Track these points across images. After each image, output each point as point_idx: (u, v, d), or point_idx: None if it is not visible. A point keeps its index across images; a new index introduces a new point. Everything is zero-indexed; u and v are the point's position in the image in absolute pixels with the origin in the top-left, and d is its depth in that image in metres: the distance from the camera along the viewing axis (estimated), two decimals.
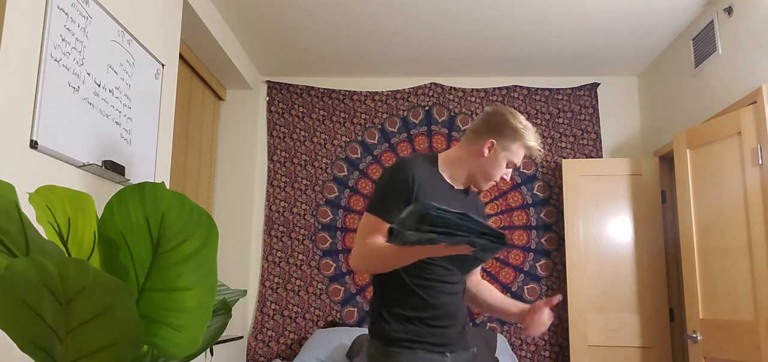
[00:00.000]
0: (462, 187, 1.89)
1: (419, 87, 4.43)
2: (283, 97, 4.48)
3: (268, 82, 4.49)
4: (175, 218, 1.17)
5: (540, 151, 1.85)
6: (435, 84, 4.44)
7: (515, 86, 4.39)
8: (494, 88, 4.40)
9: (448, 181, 1.85)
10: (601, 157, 4.27)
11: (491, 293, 2.02)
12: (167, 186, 1.39)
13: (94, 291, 1.13)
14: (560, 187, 4.19)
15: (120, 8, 2.44)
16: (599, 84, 4.38)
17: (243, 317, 4.09)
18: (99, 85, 2.27)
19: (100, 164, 2.23)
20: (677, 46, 3.78)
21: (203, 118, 4.03)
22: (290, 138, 4.42)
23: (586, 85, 4.37)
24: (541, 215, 4.23)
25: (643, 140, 4.31)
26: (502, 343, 3.78)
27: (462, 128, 4.34)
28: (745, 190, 2.90)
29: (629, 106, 4.40)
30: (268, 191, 4.35)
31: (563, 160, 4.08)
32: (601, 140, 4.30)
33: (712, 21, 3.31)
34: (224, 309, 1.65)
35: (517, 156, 1.82)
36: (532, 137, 1.81)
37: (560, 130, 4.33)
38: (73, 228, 1.29)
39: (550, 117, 4.35)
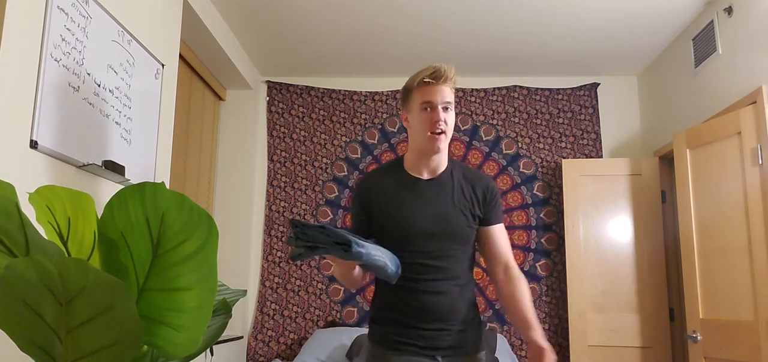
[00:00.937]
0: (432, 175, 1.80)
1: None
2: (283, 97, 4.48)
3: (268, 82, 4.49)
4: (175, 218, 1.17)
5: (433, 69, 1.72)
6: None
7: (515, 86, 4.39)
8: (494, 88, 4.40)
9: (415, 174, 1.80)
10: (601, 157, 4.27)
11: (517, 301, 1.78)
12: (167, 186, 1.39)
13: (94, 291, 1.13)
14: (560, 187, 4.19)
15: (120, 8, 2.44)
16: (599, 84, 4.38)
17: (243, 317, 4.09)
18: (99, 85, 2.27)
19: (100, 164, 2.23)
20: (677, 46, 3.78)
21: (203, 118, 4.03)
22: (290, 138, 4.42)
23: (586, 85, 4.37)
24: (541, 215, 4.23)
25: (643, 140, 4.31)
26: (502, 343, 3.78)
27: (462, 128, 4.34)
28: (745, 190, 2.90)
29: (629, 106, 4.40)
30: (268, 191, 4.35)
31: (563, 160, 4.08)
32: (601, 140, 4.30)
33: (712, 21, 3.31)
34: (224, 309, 1.65)
35: (420, 98, 1.73)
36: (419, 74, 1.74)
37: (560, 130, 4.33)
38: (73, 228, 1.29)
39: (550, 117, 4.35)
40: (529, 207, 4.25)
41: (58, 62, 2.01)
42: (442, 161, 1.81)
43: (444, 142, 1.75)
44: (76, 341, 1.18)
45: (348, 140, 4.39)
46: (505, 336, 4.04)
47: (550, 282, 4.15)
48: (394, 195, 1.79)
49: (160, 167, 2.78)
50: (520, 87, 4.39)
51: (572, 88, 4.37)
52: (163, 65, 2.81)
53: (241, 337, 4.03)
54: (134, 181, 2.43)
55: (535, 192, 4.26)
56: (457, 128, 4.36)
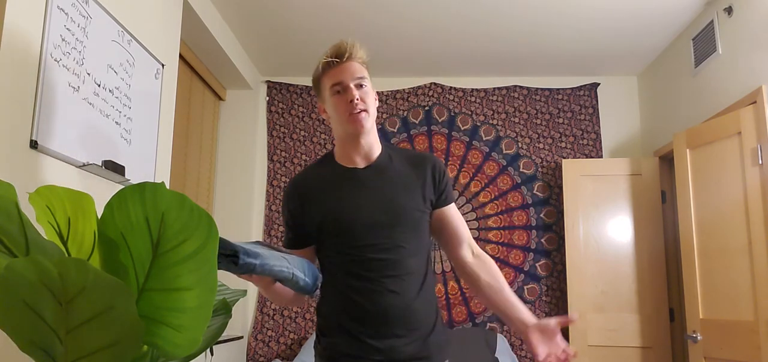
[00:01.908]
0: (367, 161, 1.63)
1: (419, 87, 4.44)
2: (283, 97, 4.48)
3: (268, 82, 4.49)
4: (175, 218, 1.17)
5: (334, 48, 1.60)
6: (435, 84, 4.44)
7: (515, 86, 4.39)
8: (494, 88, 4.40)
9: (348, 165, 1.64)
10: (601, 157, 4.27)
11: (498, 285, 1.62)
12: (167, 186, 1.39)
13: (94, 291, 1.13)
14: (560, 187, 4.19)
15: (120, 8, 2.44)
16: (599, 84, 4.38)
17: (243, 317, 4.09)
18: (99, 85, 2.27)
19: (100, 164, 2.23)
20: (677, 46, 3.78)
21: (203, 118, 4.03)
22: (290, 138, 4.42)
23: (586, 85, 4.37)
24: (541, 215, 4.23)
25: (643, 140, 4.32)
26: (502, 343, 3.78)
27: (462, 128, 4.34)
28: (745, 190, 2.90)
29: (629, 106, 4.40)
30: (268, 191, 4.35)
31: (563, 160, 4.08)
32: (601, 140, 4.30)
33: (712, 21, 3.31)
34: (224, 309, 1.65)
35: (329, 82, 1.61)
36: (322, 59, 1.63)
37: (560, 130, 4.33)
38: (73, 228, 1.29)
39: (550, 117, 4.35)
40: (529, 207, 4.25)
41: (58, 62, 2.01)
42: (373, 144, 1.63)
43: (368, 120, 1.57)
44: (76, 341, 1.18)
45: None
46: (506, 337, 4.04)
47: (550, 282, 4.15)
48: (330, 190, 1.61)
49: (160, 167, 2.78)
50: (520, 87, 4.39)
51: (572, 88, 4.37)
52: (163, 65, 2.81)
53: (241, 337, 4.03)
54: (134, 181, 2.43)
55: (535, 192, 4.26)
56: (457, 128, 4.36)
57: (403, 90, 4.43)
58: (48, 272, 1.10)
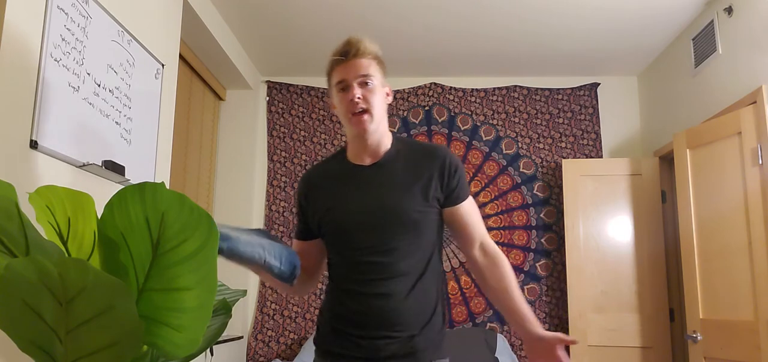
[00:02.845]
0: (374, 159, 1.62)
1: (419, 87, 4.43)
2: (283, 97, 4.48)
3: (268, 82, 4.49)
4: (175, 218, 1.17)
5: (342, 45, 1.59)
6: (435, 84, 4.43)
7: (515, 86, 4.39)
8: (494, 88, 4.40)
9: (356, 162, 1.63)
10: (601, 157, 4.27)
11: (504, 290, 1.59)
12: (167, 186, 1.39)
13: (94, 291, 1.13)
14: (560, 187, 4.19)
15: (120, 8, 2.43)
16: (599, 84, 4.38)
17: (243, 317, 4.09)
18: (99, 85, 2.27)
19: (100, 164, 2.23)
20: (677, 46, 3.78)
21: (203, 118, 4.03)
22: (290, 138, 4.42)
23: (586, 85, 4.37)
24: (541, 215, 4.23)
25: (643, 140, 4.32)
26: (502, 343, 3.78)
27: (462, 128, 4.34)
28: (745, 190, 2.90)
29: (629, 106, 4.40)
30: (268, 191, 4.35)
31: (563, 160, 4.08)
32: (601, 140, 4.30)
33: (712, 21, 3.31)
34: (224, 309, 1.65)
35: (335, 79, 1.60)
36: (332, 53, 1.61)
37: (560, 130, 4.33)
38: (73, 228, 1.29)
39: (550, 117, 4.35)
40: (529, 207, 4.25)
41: (58, 62, 2.01)
42: (382, 143, 1.61)
43: (370, 122, 1.54)
44: (76, 341, 1.18)
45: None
46: (506, 337, 4.04)
47: (550, 282, 4.15)
48: (333, 189, 1.62)
49: (160, 167, 2.78)
50: (520, 87, 4.39)
51: (572, 88, 4.37)
52: (163, 65, 2.81)
53: (241, 337, 4.03)
54: (134, 181, 2.43)
55: (535, 192, 4.26)
56: (457, 128, 4.36)
57: (403, 90, 4.43)
58: (48, 272, 1.10)
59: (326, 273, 1.71)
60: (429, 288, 1.57)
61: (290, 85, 4.48)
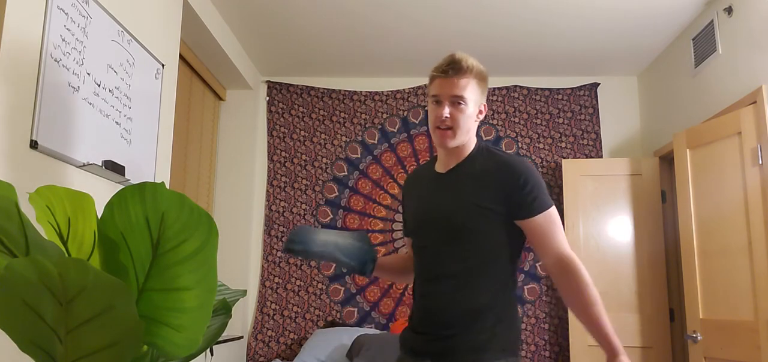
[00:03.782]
0: (447, 168, 1.71)
1: (419, 87, 4.43)
2: (283, 97, 4.48)
3: (268, 82, 4.49)
4: (175, 218, 1.17)
5: (443, 62, 1.66)
6: None
7: (515, 86, 4.39)
8: (494, 88, 4.40)
9: (439, 169, 1.74)
10: (601, 157, 4.27)
11: (571, 303, 1.66)
12: (167, 186, 1.39)
13: (94, 291, 1.13)
14: (560, 187, 4.19)
15: (120, 8, 2.44)
16: (599, 84, 4.38)
17: (243, 317, 4.09)
18: (99, 85, 2.27)
19: (100, 164, 2.23)
20: (677, 46, 3.78)
21: (203, 118, 4.03)
22: (290, 138, 4.42)
23: (586, 85, 4.37)
24: None
25: (643, 140, 4.32)
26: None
27: None
28: (745, 190, 2.90)
29: (629, 106, 4.40)
30: (268, 191, 4.35)
31: (563, 160, 4.08)
32: (601, 140, 4.30)
33: (712, 21, 3.31)
34: (224, 309, 1.64)
35: (431, 91, 1.68)
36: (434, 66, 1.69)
37: (560, 130, 4.33)
38: (73, 228, 1.29)
39: (550, 117, 4.35)
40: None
41: (58, 62, 2.01)
42: (459, 154, 1.69)
43: (451, 139, 1.63)
44: (76, 341, 1.17)
45: (348, 140, 4.39)
46: None
47: (550, 282, 4.15)
48: (418, 190, 1.80)
49: (160, 167, 2.78)
50: (520, 87, 4.39)
51: (572, 88, 4.37)
52: (163, 65, 2.81)
53: (241, 337, 4.03)
54: (134, 181, 2.43)
55: None
56: None
57: (403, 90, 4.43)
58: (48, 272, 1.10)
59: None
60: (480, 292, 1.60)
61: (290, 85, 4.48)
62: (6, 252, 1.20)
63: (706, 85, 3.44)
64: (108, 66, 2.34)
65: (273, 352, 4.14)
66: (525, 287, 4.14)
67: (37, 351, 1.21)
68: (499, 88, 4.40)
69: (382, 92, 4.43)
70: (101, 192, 2.27)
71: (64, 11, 2.04)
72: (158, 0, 2.81)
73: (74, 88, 2.11)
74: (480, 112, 1.70)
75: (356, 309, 4.18)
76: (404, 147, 4.36)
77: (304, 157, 4.39)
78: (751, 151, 2.88)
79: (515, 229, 1.64)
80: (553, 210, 1.64)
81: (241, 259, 4.21)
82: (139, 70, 2.58)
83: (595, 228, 3.96)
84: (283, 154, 4.41)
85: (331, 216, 4.30)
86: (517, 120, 4.36)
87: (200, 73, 3.83)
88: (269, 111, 4.46)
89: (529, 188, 1.59)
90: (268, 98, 4.47)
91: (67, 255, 1.29)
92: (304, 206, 4.33)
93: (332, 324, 4.16)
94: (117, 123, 2.40)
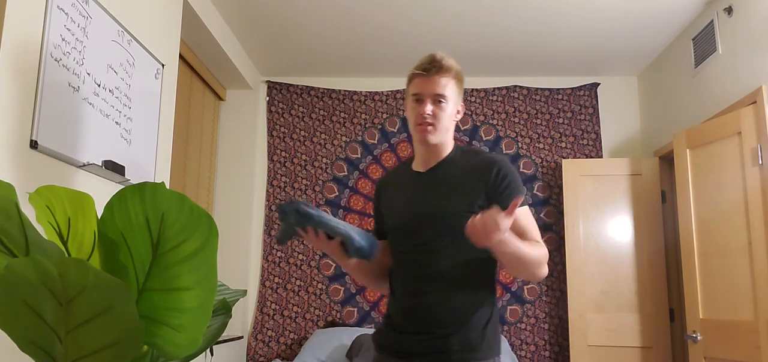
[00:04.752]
0: (427, 167, 1.70)
1: None
2: (283, 97, 4.48)
3: (268, 82, 4.49)
4: (175, 218, 1.17)
5: (423, 61, 1.67)
6: None
7: (515, 86, 4.39)
8: (494, 88, 4.40)
9: (416, 169, 1.73)
10: (601, 157, 4.27)
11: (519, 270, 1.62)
12: (167, 186, 1.39)
13: (94, 291, 1.13)
14: (560, 187, 4.19)
15: (120, 8, 2.44)
16: (599, 84, 4.38)
17: (243, 317, 4.09)
18: (99, 85, 2.27)
19: (100, 164, 2.23)
20: (677, 46, 3.78)
21: (203, 118, 4.03)
22: (290, 138, 4.42)
23: (586, 85, 4.37)
24: (541, 215, 4.23)
25: (643, 140, 4.32)
26: (502, 344, 3.78)
27: (462, 128, 4.34)
28: (745, 190, 2.90)
29: (629, 106, 4.40)
30: (268, 191, 4.36)
31: (563, 160, 4.08)
32: (601, 140, 4.30)
33: (712, 21, 3.31)
34: (224, 309, 1.64)
35: (412, 90, 1.70)
36: (415, 65, 1.69)
37: (560, 130, 4.33)
38: (73, 228, 1.29)
39: (550, 117, 4.35)
40: (529, 208, 4.24)
41: (58, 62, 2.01)
42: (439, 152, 1.70)
43: (433, 135, 1.64)
44: (76, 341, 1.18)
45: (348, 140, 4.39)
46: (506, 336, 4.05)
47: (550, 282, 4.15)
48: (396, 191, 1.77)
49: (160, 167, 2.78)
50: (520, 87, 4.39)
51: (572, 88, 4.37)
52: (163, 65, 2.81)
53: (241, 337, 4.03)
54: (134, 181, 2.43)
55: (535, 192, 4.26)
56: (456, 128, 4.35)
57: (404, 90, 4.43)
58: (48, 272, 1.10)
59: None
60: (472, 291, 1.62)
61: (290, 85, 4.48)
62: (6, 252, 1.20)
63: (706, 85, 3.44)
64: (108, 66, 2.34)
65: (273, 352, 4.14)
66: (525, 287, 4.14)
67: (37, 351, 1.21)
68: (499, 88, 4.40)
69: (382, 92, 4.43)
70: (101, 192, 2.27)
71: (64, 11, 2.04)
72: (158, 0, 2.81)
73: (74, 88, 2.11)
74: (458, 111, 1.73)
75: (356, 309, 4.18)
76: (404, 147, 4.36)
77: (304, 157, 4.39)
78: (751, 151, 2.88)
79: None
80: (527, 208, 1.68)
81: (241, 259, 4.21)
82: (139, 70, 2.58)
83: (595, 228, 3.96)
84: (283, 154, 4.41)
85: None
86: (517, 120, 4.36)
87: (200, 73, 3.83)
88: (269, 111, 4.46)
89: (506, 183, 1.61)
90: (268, 98, 4.47)
91: (67, 255, 1.29)
92: None
93: (332, 324, 4.16)
94: (117, 123, 2.40)
